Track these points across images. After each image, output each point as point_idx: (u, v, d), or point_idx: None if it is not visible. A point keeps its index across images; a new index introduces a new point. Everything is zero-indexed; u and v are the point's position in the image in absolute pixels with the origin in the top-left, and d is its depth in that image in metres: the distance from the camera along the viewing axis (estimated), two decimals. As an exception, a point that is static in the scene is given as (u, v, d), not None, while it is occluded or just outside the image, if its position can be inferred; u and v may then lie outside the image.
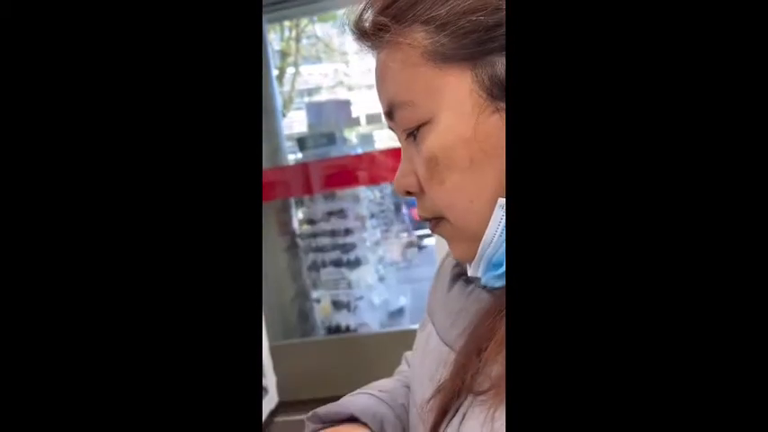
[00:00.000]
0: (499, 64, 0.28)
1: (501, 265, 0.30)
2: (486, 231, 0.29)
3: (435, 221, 0.33)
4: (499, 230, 0.29)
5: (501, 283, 0.31)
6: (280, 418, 2.22)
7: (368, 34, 0.31)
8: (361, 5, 0.31)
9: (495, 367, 0.28)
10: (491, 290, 0.34)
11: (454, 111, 0.29)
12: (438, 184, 0.30)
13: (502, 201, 0.28)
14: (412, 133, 0.31)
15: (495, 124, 0.28)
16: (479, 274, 0.32)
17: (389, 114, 0.32)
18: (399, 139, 0.34)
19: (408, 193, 0.33)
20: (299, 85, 3.93)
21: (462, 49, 0.28)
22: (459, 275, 0.38)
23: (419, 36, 0.29)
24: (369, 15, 0.31)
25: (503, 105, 0.28)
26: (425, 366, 0.36)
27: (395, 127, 0.33)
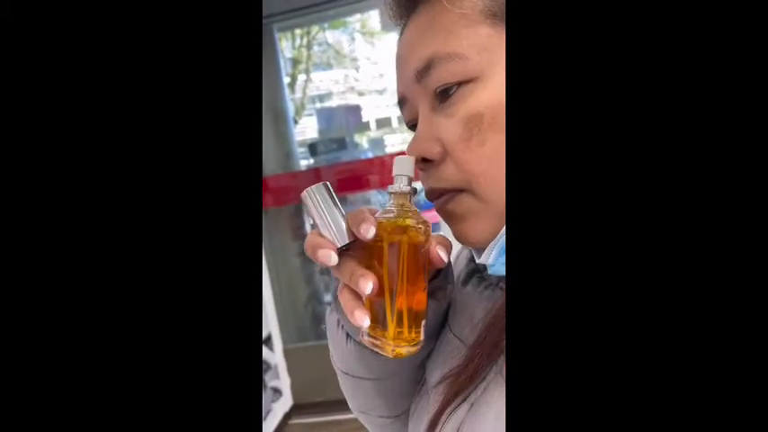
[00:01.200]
0: None
1: None
2: None
3: (450, 196, 0.32)
4: None
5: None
6: (294, 421, 2.24)
7: None
8: None
9: None
10: (502, 286, 0.34)
11: None
12: (477, 145, 0.30)
13: None
14: (446, 92, 0.30)
15: None
16: (490, 261, 0.31)
17: (425, 70, 0.31)
18: (416, 105, 0.33)
19: (424, 159, 0.32)
20: (311, 92, 3.96)
21: None
22: (473, 273, 0.38)
23: None
24: None
25: None
26: (435, 357, 0.37)
27: (419, 92, 0.32)
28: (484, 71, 0.29)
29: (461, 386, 0.30)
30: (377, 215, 0.31)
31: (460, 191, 0.31)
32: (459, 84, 0.30)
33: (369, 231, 0.29)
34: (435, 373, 0.35)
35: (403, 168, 0.32)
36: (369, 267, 0.31)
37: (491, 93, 0.29)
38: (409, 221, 0.30)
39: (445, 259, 0.32)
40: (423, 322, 0.32)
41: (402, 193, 0.32)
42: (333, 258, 0.30)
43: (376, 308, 0.31)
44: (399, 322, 0.30)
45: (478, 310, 0.34)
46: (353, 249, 0.32)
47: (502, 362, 0.29)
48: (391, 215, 0.31)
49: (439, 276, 0.35)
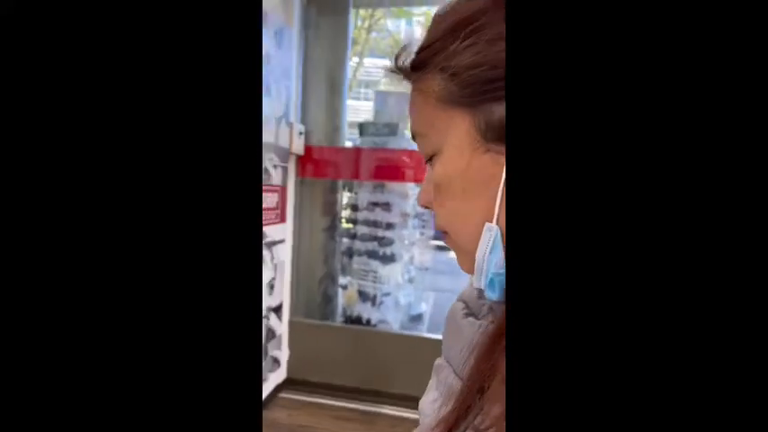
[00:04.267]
0: (496, 111, 0.32)
1: (493, 279, 0.35)
2: (477, 251, 0.34)
3: (445, 234, 0.39)
4: (488, 250, 0.34)
5: (495, 296, 0.35)
6: (284, 395, 2.20)
7: (401, 71, 0.38)
8: (403, 47, 0.38)
9: (496, 406, 0.30)
10: (495, 316, 0.38)
11: (455, 147, 0.34)
12: (439, 206, 0.37)
13: (488, 225, 0.33)
14: (429, 159, 0.37)
15: (486, 161, 0.33)
16: (482, 286, 0.36)
17: (414, 137, 0.39)
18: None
19: (426, 206, 0.40)
20: (360, 76, 3.93)
21: (465, 96, 0.33)
22: (470, 313, 0.42)
23: (435, 81, 0.34)
24: (405, 57, 0.37)
25: (494, 147, 0.33)
26: (436, 398, 0.40)
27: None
28: (441, 147, 0.35)
29: (453, 429, 0.32)
30: None
31: (446, 232, 0.38)
32: (431, 156, 0.36)
33: None
34: (432, 416, 0.38)
35: None
36: None
37: (444, 167, 0.35)
38: None
39: None
40: None
41: None
42: None
43: None
44: None
45: (473, 347, 0.37)
46: None
47: (488, 406, 0.32)
48: None
49: None
